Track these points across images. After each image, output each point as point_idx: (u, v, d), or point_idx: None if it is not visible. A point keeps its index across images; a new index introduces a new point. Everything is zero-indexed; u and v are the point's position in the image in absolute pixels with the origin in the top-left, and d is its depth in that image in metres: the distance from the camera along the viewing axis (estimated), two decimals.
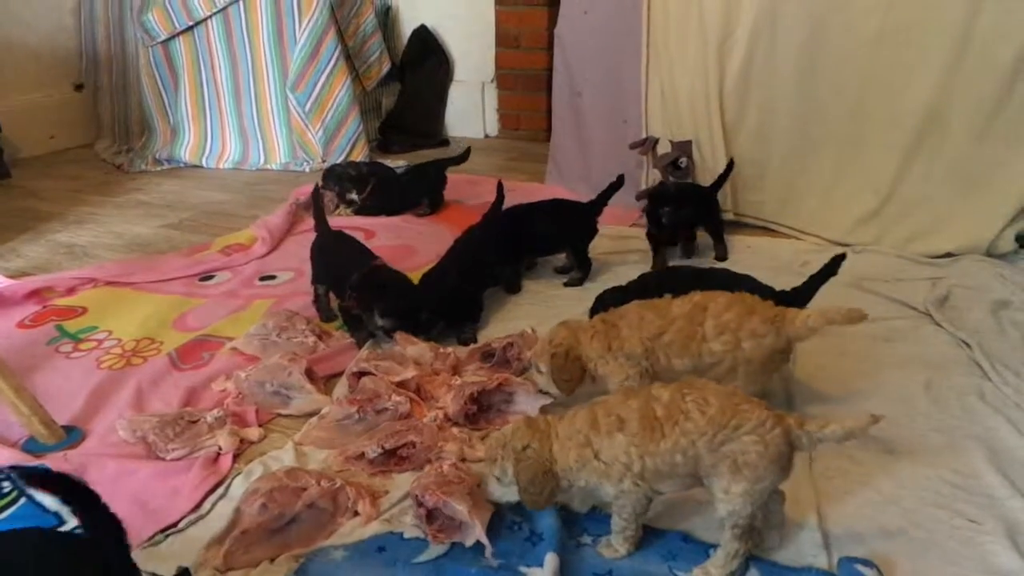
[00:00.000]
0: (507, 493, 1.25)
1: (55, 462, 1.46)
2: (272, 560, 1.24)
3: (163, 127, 4.06)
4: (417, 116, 4.26)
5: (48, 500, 1.39)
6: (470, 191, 3.23)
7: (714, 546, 1.24)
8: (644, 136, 2.98)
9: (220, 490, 1.42)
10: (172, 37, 3.92)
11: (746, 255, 2.50)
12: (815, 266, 2.39)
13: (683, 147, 2.86)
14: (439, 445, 1.47)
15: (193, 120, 3.96)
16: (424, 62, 4.29)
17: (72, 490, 0.97)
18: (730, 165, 2.57)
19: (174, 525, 1.33)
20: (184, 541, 1.30)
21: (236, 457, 1.51)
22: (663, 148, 2.92)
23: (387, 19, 4.30)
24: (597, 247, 2.64)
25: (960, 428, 1.59)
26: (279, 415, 1.66)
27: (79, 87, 4.42)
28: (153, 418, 1.57)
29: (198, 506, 1.37)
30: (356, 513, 1.33)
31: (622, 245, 2.66)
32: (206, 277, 2.44)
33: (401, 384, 1.66)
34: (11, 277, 2.40)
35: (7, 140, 3.87)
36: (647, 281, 1.86)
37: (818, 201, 2.67)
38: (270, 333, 1.92)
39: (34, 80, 4.16)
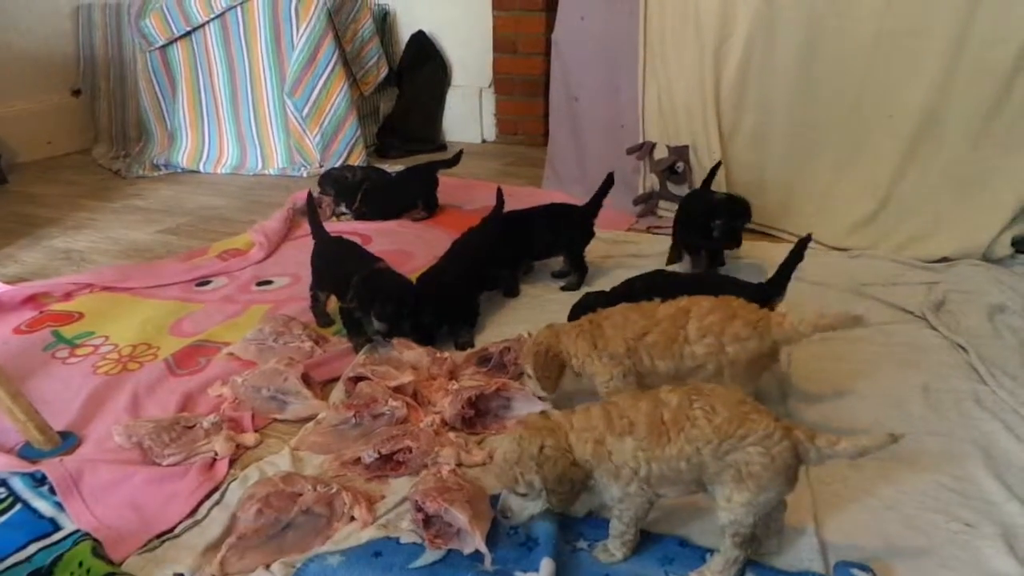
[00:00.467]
0: (530, 507, 1.22)
1: (50, 468, 1.46)
2: (268, 566, 1.23)
3: (161, 132, 4.07)
4: (415, 121, 4.27)
5: (43, 506, 1.40)
6: (467, 196, 3.24)
7: (711, 551, 1.24)
8: (641, 141, 2.99)
9: (216, 496, 1.41)
10: (170, 43, 3.93)
11: (745, 260, 2.51)
12: (812, 270, 2.41)
13: (680, 152, 2.87)
14: (435, 450, 1.47)
15: (191, 125, 3.97)
16: (422, 67, 4.30)
17: None
18: (716, 166, 2.58)
19: (170, 531, 1.33)
20: (180, 547, 1.29)
21: (232, 462, 1.51)
22: (660, 153, 2.94)
23: (385, 24, 4.31)
24: (594, 251, 2.64)
25: (957, 433, 1.59)
26: (275, 420, 1.66)
27: (77, 92, 4.43)
28: (149, 423, 1.56)
29: (194, 512, 1.37)
30: (352, 518, 1.32)
31: (619, 249, 2.67)
32: (203, 282, 2.44)
33: (398, 389, 1.66)
34: (8, 283, 2.39)
35: (4, 145, 3.88)
36: (634, 286, 1.86)
37: (815, 206, 2.68)
38: (267, 338, 1.92)
39: (32, 85, 4.16)
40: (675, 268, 2.45)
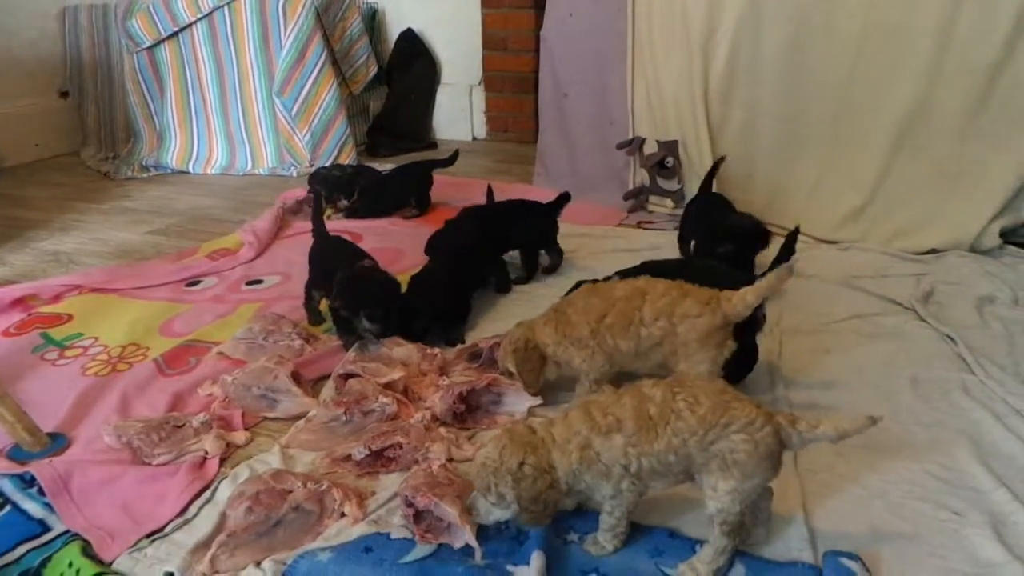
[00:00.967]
0: (496, 513, 1.21)
1: (40, 469, 1.45)
2: (258, 563, 1.23)
3: (149, 133, 4.05)
4: (405, 119, 4.27)
5: (32, 507, 1.39)
6: (457, 193, 3.23)
7: (701, 542, 1.24)
8: (631, 137, 3.00)
9: (206, 494, 1.41)
10: (157, 43, 3.91)
11: None
12: (802, 263, 2.41)
13: (670, 147, 2.88)
14: (426, 445, 1.47)
15: (179, 126, 3.95)
16: (411, 65, 4.30)
17: None
18: (716, 164, 2.57)
19: (160, 530, 1.32)
20: (170, 546, 1.29)
21: (223, 461, 1.50)
22: (650, 148, 2.94)
23: (373, 23, 4.30)
24: (585, 246, 2.66)
25: (945, 422, 1.60)
26: (266, 418, 1.65)
27: (64, 94, 4.40)
28: (138, 423, 1.56)
29: (184, 510, 1.36)
30: (343, 515, 1.32)
31: (609, 244, 2.67)
32: (192, 282, 2.43)
33: (388, 385, 1.66)
34: None
35: None
36: (627, 275, 1.86)
37: (804, 199, 2.69)
38: (256, 337, 1.92)
39: (18, 88, 4.14)
40: None
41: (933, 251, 2.47)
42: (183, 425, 1.56)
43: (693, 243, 2.41)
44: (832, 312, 2.10)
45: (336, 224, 2.92)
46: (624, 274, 1.86)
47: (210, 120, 3.92)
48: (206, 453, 1.50)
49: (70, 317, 2.18)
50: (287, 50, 3.70)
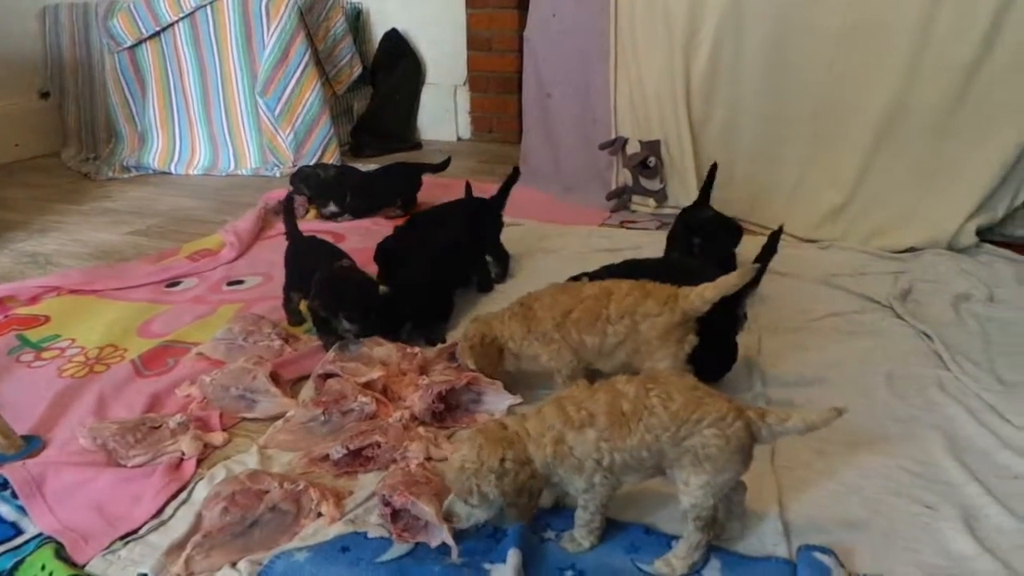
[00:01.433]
0: (476, 514, 1.21)
1: (12, 471, 1.44)
2: (234, 564, 1.23)
3: (131, 134, 4.02)
4: (389, 120, 4.26)
5: (5, 510, 1.38)
6: (443, 194, 3.20)
7: (676, 538, 1.25)
8: (613, 136, 3.01)
9: (183, 495, 1.40)
10: (139, 43, 3.89)
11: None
12: (782, 261, 2.42)
13: (652, 147, 2.90)
14: (404, 444, 1.47)
15: (161, 126, 3.93)
16: (395, 66, 4.29)
17: None
18: (711, 172, 2.51)
19: (135, 532, 1.31)
20: (144, 547, 1.28)
21: (200, 462, 1.49)
22: (632, 148, 2.96)
23: (358, 23, 4.29)
24: (569, 246, 2.66)
25: (920, 418, 1.62)
26: (244, 419, 1.64)
27: (45, 95, 4.36)
28: (113, 425, 1.54)
29: (160, 512, 1.35)
30: (320, 514, 1.32)
31: (593, 244, 2.68)
32: (173, 283, 2.42)
33: (367, 385, 1.66)
34: None
35: None
36: (611, 273, 1.87)
37: (785, 198, 2.71)
38: (236, 337, 1.91)
39: None
40: None
41: (911, 249, 2.50)
42: (159, 426, 1.55)
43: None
44: (811, 310, 2.12)
45: (318, 224, 2.92)
46: (607, 271, 1.87)
47: (192, 120, 3.89)
48: (183, 454, 1.49)
49: (47, 319, 2.16)
50: (270, 50, 3.68)
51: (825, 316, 2.08)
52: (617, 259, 2.42)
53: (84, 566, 1.24)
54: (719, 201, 2.84)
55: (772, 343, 1.92)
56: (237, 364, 1.73)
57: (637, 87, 2.94)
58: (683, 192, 2.82)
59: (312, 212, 3.06)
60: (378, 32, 4.35)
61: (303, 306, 2.06)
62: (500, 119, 4.27)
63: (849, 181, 2.59)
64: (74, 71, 4.21)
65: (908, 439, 1.55)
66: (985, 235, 2.53)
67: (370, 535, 1.28)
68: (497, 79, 4.20)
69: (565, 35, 3.09)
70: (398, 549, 1.25)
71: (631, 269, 1.77)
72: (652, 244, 2.56)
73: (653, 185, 2.92)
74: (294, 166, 3.60)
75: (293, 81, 3.72)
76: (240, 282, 2.41)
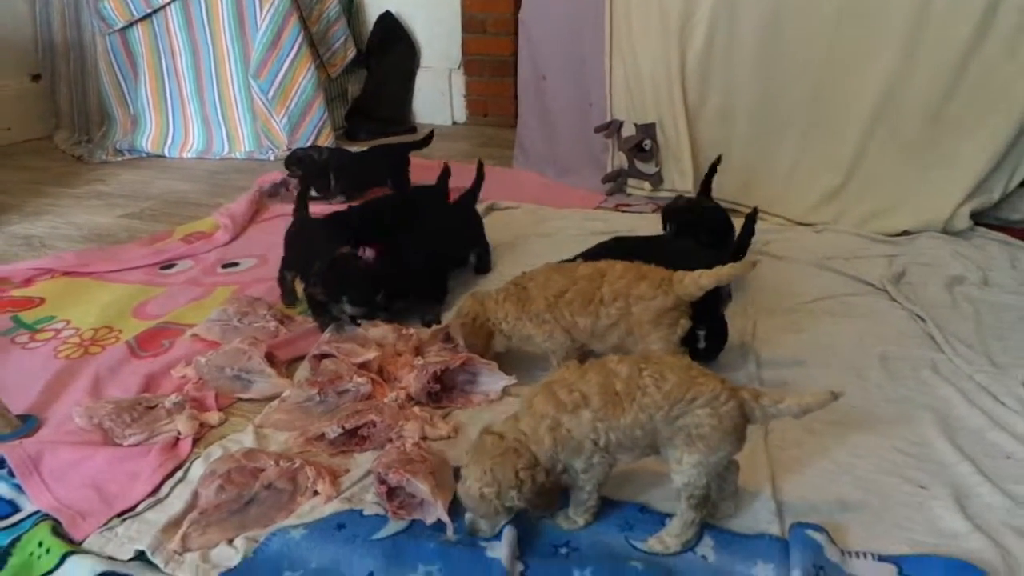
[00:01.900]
0: (500, 523, 1.21)
1: (9, 450, 1.44)
2: (230, 541, 1.23)
3: (123, 117, 3.98)
4: (384, 103, 4.24)
5: (1, 488, 1.38)
6: (432, 177, 3.21)
7: (670, 516, 1.26)
8: (609, 119, 3.00)
9: (179, 474, 1.40)
10: (130, 25, 3.84)
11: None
12: (777, 245, 2.44)
13: (647, 130, 2.89)
14: (400, 424, 1.47)
15: (154, 109, 3.90)
16: (390, 49, 4.26)
17: None
18: (713, 164, 2.46)
19: (131, 509, 1.32)
20: (141, 524, 1.28)
21: (196, 442, 1.50)
22: (628, 131, 2.95)
23: (352, 5, 4.25)
24: (564, 228, 2.66)
25: (913, 399, 1.63)
26: (240, 399, 1.65)
27: (36, 77, 4.32)
28: (109, 404, 1.54)
29: (156, 490, 1.36)
30: (316, 493, 1.32)
31: (588, 227, 2.67)
32: (167, 266, 2.41)
33: (363, 365, 1.66)
34: None
35: None
36: (599, 252, 1.88)
37: (780, 182, 2.71)
38: (231, 319, 1.91)
39: None
40: None
41: (906, 233, 2.50)
42: (155, 406, 1.55)
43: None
44: (805, 292, 2.12)
45: (315, 207, 2.90)
46: (601, 247, 1.87)
47: (185, 103, 3.86)
48: (179, 433, 1.49)
49: (42, 300, 2.15)
50: (263, 32, 3.65)
51: (819, 299, 2.09)
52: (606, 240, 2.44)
53: (81, 543, 1.24)
54: (715, 184, 2.85)
55: (766, 325, 1.93)
56: (232, 345, 1.73)
57: (632, 70, 2.92)
58: (679, 175, 2.82)
59: (298, 197, 3.03)
60: (372, 14, 4.32)
61: (299, 289, 2.05)
62: (495, 102, 4.25)
63: (844, 164, 2.60)
64: (65, 53, 4.16)
65: (901, 419, 1.56)
66: (980, 219, 2.53)
67: (366, 513, 1.29)
68: (492, 62, 4.17)
69: (560, 17, 3.07)
70: (394, 526, 1.26)
71: (623, 246, 1.77)
72: (647, 227, 2.57)
73: (649, 168, 2.92)
74: (288, 149, 3.58)
75: (287, 64, 3.69)
76: (235, 264, 2.40)
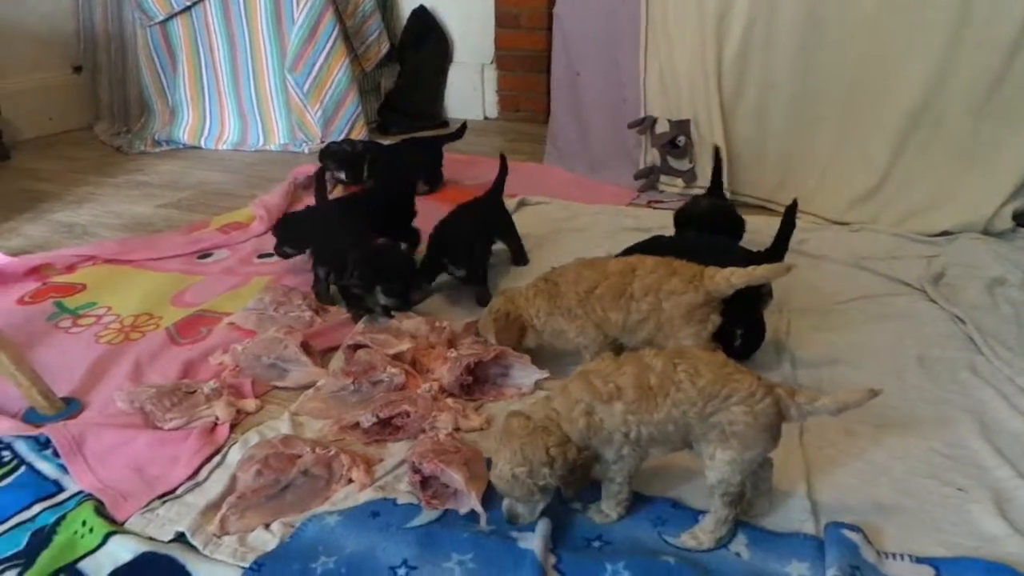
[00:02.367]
0: (538, 507, 1.22)
1: (54, 431, 1.48)
2: (267, 525, 1.26)
3: (162, 108, 4.06)
4: (416, 97, 4.25)
5: (47, 468, 1.42)
6: (468, 171, 3.23)
7: (703, 513, 1.26)
8: (642, 115, 2.98)
9: (217, 458, 1.43)
10: (170, 17, 3.91)
11: (745, 235, 2.49)
12: (812, 244, 2.41)
13: (681, 126, 2.87)
14: (433, 415, 1.49)
15: (192, 101, 3.96)
16: (423, 43, 4.28)
17: None
18: (716, 158, 2.47)
19: (171, 492, 1.35)
20: (181, 507, 1.31)
21: (233, 427, 1.53)
22: (662, 127, 2.93)
23: (386, 0, 4.28)
24: (595, 225, 2.65)
25: (952, 401, 1.60)
26: (275, 387, 1.67)
27: (78, 69, 4.41)
28: (151, 389, 1.58)
29: (195, 474, 1.39)
30: (350, 480, 1.34)
31: (619, 223, 2.67)
32: (204, 255, 2.45)
33: (396, 356, 1.68)
34: (11, 255, 2.41)
35: (7, 122, 3.87)
36: (637, 250, 1.87)
37: (816, 179, 2.67)
38: (267, 308, 1.94)
39: (33, 62, 4.15)
40: None
41: (945, 233, 2.45)
42: (194, 392, 1.58)
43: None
44: (841, 292, 2.09)
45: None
46: (641, 247, 1.85)
47: (222, 96, 3.92)
48: (217, 419, 1.52)
49: (84, 287, 2.21)
50: (299, 25, 3.69)
51: (856, 298, 2.06)
52: (643, 239, 2.43)
53: (123, 523, 1.27)
54: (749, 182, 2.83)
55: (802, 325, 1.91)
56: (269, 334, 1.75)
57: (668, 66, 2.90)
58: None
59: (340, 188, 3.07)
60: (406, 9, 4.34)
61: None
62: (528, 98, 4.25)
63: (882, 162, 2.55)
64: (106, 45, 4.24)
65: (939, 422, 1.53)
66: (1021, 219, 2.47)
67: (400, 501, 1.30)
68: (525, 57, 4.17)
69: (595, 13, 3.05)
70: (427, 516, 1.27)
71: (659, 246, 1.76)
72: None
73: (682, 165, 2.90)
74: (322, 142, 3.62)
75: (322, 57, 3.73)
76: (270, 255, 2.43)
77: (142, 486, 1.35)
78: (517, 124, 4.23)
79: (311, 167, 3.16)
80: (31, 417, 1.56)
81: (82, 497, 1.33)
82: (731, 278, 1.54)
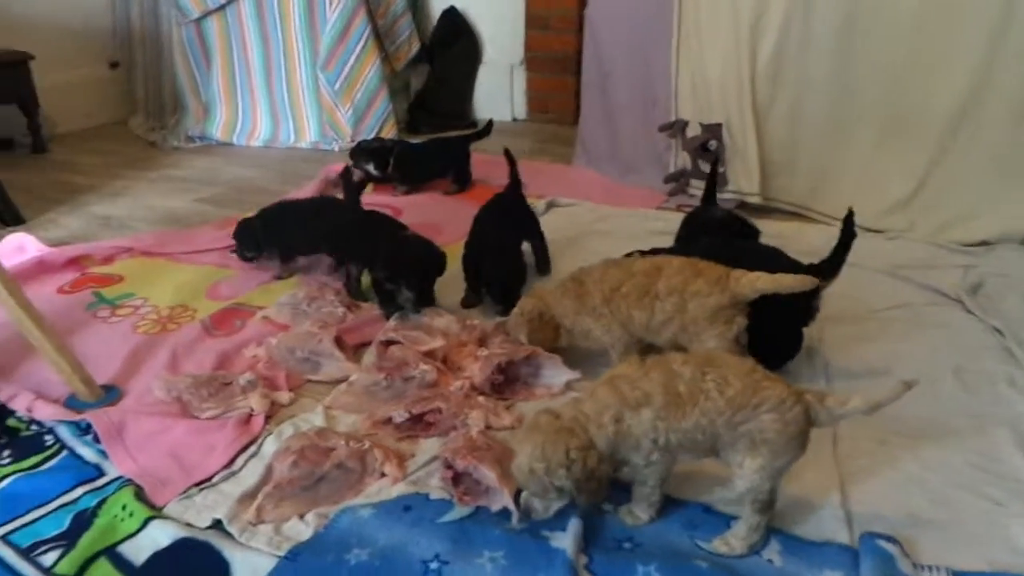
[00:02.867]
0: (553, 505, 1.23)
1: (95, 417, 1.51)
2: (301, 516, 1.27)
3: (195, 105, 4.12)
4: (446, 98, 4.27)
5: (88, 453, 1.45)
6: (495, 172, 3.22)
7: (735, 518, 1.25)
8: (673, 119, 2.97)
9: (252, 449, 1.45)
10: (205, 15, 3.97)
11: (776, 242, 2.47)
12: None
13: (713, 130, 2.85)
14: (464, 412, 1.49)
15: (225, 98, 4.02)
16: (453, 43, 4.29)
17: None
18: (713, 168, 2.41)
19: (208, 480, 1.37)
20: (217, 495, 1.34)
21: (267, 419, 1.55)
22: (693, 131, 2.92)
23: (417, 0, 4.30)
24: (621, 228, 2.65)
25: (988, 413, 1.58)
26: (309, 381, 1.69)
27: (114, 65, 4.49)
28: (188, 378, 1.61)
29: (231, 463, 1.41)
30: (383, 474, 1.36)
31: (647, 226, 2.66)
32: None
33: (428, 353, 1.69)
34: (51, 246, 2.46)
35: (45, 116, 3.95)
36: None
37: (851, 186, 2.64)
38: (300, 303, 1.96)
39: (71, 58, 4.23)
40: None
41: (983, 243, 2.41)
42: (230, 383, 1.61)
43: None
44: (876, 301, 2.07)
45: (377, 198, 2.96)
46: (680, 251, 1.83)
47: (254, 93, 3.97)
48: (252, 410, 1.55)
49: (121, 278, 2.25)
50: (331, 24, 3.73)
51: (891, 308, 2.03)
52: (671, 242, 2.40)
53: (162, 508, 1.30)
54: (782, 188, 2.80)
55: (835, 333, 1.89)
56: (303, 328, 1.78)
57: (699, 69, 2.88)
58: (744, 177, 2.77)
59: (371, 187, 3.10)
60: (436, 9, 4.36)
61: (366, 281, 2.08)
62: (556, 99, 4.25)
63: (920, 169, 2.51)
64: (142, 42, 4.32)
65: (975, 433, 1.51)
66: None
67: (432, 496, 1.31)
68: (555, 59, 4.17)
69: (627, 15, 3.05)
70: (459, 512, 1.28)
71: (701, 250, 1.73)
72: None
73: None
74: (352, 141, 3.65)
75: (353, 57, 3.77)
76: None
77: (180, 473, 1.38)
78: (546, 126, 4.23)
79: (342, 165, 3.20)
80: (72, 403, 1.60)
81: (122, 482, 1.35)
82: (756, 283, 1.53)
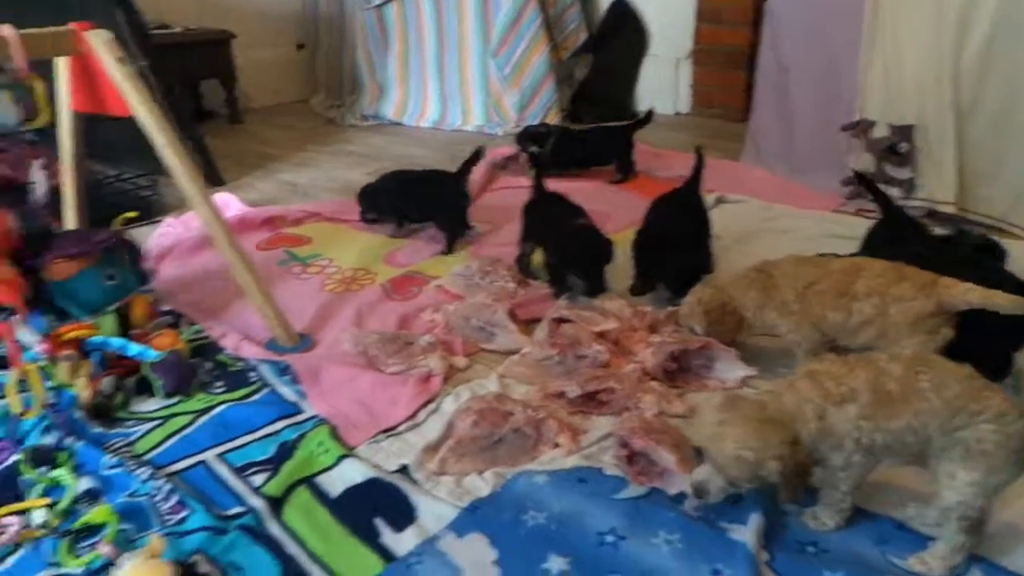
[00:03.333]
0: (727, 492, 1.17)
1: (294, 360, 1.65)
2: (480, 473, 1.33)
3: (371, 86, 4.37)
4: (610, 88, 4.27)
5: (287, 391, 1.58)
6: (658, 163, 3.21)
7: (931, 539, 1.17)
8: (857, 118, 2.79)
9: (432, 406, 1.53)
10: (387, 2, 4.19)
11: None
12: None
13: (904, 132, 2.65)
14: (637, 395, 1.49)
15: (399, 80, 4.23)
16: (620, 34, 4.27)
17: None
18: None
19: (393, 428, 1.46)
20: (402, 444, 1.42)
21: (445, 380, 1.62)
22: (880, 132, 2.73)
23: None
24: (796, 230, 2.53)
25: None
26: (483, 349, 1.76)
27: (300, 46, 4.86)
28: (374, 334, 1.72)
29: (413, 416, 1.49)
30: (556, 445, 1.38)
31: (821, 229, 2.53)
32: None
33: (601, 334, 1.70)
34: (250, 206, 2.71)
35: (241, 91, 4.35)
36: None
37: None
38: (474, 275, 2.03)
39: (264, 39, 4.63)
40: None
41: None
42: (412, 343, 1.70)
43: None
44: None
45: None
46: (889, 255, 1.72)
47: (426, 77, 4.16)
48: (431, 370, 1.62)
49: (310, 239, 2.44)
50: (505, 12, 3.82)
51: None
52: (849, 247, 2.25)
53: (354, 449, 1.40)
54: (982, 199, 2.57)
55: None
56: (478, 298, 1.84)
57: (894, 65, 2.68)
58: (938, 184, 2.56)
59: (534, 171, 3.15)
60: (604, 0, 4.35)
61: (536, 259, 2.12)
62: (724, 94, 4.12)
63: None
64: (327, 25, 4.64)
65: None
66: None
67: (606, 472, 1.32)
68: (725, 53, 4.05)
69: (811, 7, 2.89)
70: (633, 490, 1.28)
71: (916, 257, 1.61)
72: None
73: (901, 174, 2.68)
74: (517, 126, 3.73)
75: (523, 44, 3.85)
76: (470, 227, 2.55)
77: (368, 419, 1.48)
78: (710, 120, 4.12)
79: (507, 149, 3.29)
80: (272, 347, 1.75)
81: (318, 420, 1.47)
82: (968, 294, 1.41)
